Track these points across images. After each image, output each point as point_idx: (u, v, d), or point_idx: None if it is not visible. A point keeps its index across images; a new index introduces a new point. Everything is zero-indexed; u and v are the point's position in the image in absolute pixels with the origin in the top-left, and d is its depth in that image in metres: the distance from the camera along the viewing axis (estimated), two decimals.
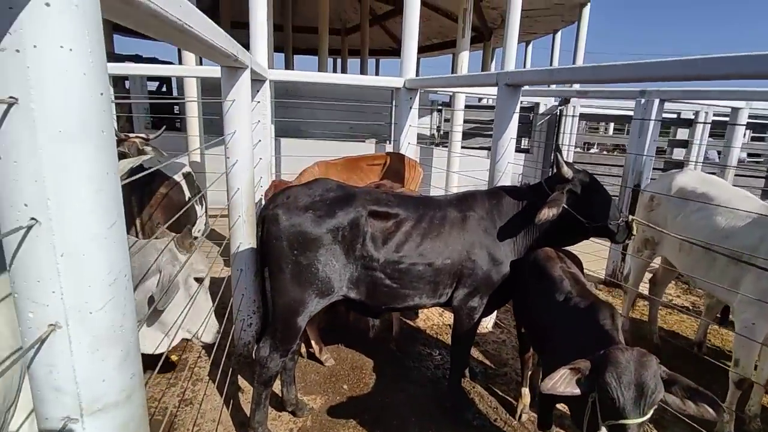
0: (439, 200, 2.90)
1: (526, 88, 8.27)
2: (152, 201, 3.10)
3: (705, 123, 6.61)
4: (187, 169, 3.71)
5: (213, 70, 4.68)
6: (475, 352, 3.89)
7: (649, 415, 1.65)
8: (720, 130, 8.82)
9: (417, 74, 5.61)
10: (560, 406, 2.87)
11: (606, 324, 2.09)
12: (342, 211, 2.48)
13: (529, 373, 3.15)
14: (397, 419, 3.02)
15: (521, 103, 10.02)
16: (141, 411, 1.02)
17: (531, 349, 3.12)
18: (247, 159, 3.22)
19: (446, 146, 8.72)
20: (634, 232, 2.94)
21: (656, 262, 4.13)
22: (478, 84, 4.88)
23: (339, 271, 2.53)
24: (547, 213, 2.74)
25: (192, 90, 5.91)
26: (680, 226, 3.26)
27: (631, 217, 2.99)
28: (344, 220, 2.48)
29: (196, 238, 4.06)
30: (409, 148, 5.44)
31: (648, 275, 4.28)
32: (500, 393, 3.38)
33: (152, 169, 2.64)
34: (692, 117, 8.52)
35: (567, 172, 2.79)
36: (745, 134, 11.03)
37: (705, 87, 4.66)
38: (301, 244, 2.41)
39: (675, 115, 9.54)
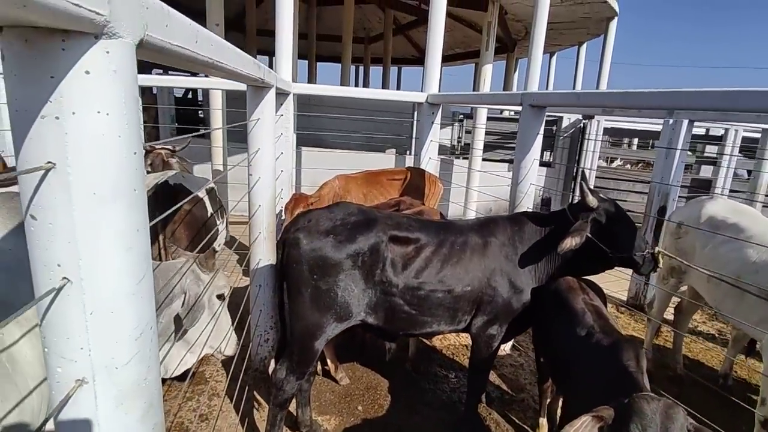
0: (460, 225, 2.87)
1: (558, 107, 8.20)
2: (175, 217, 3.15)
3: (733, 146, 6.41)
4: (210, 185, 3.76)
5: (240, 84, 4.74)
6: (491, 376, 3.82)
7: None
8: (750, 145, 8.59)
9: (439, 84, 5.59)
10: None
11: (630, 365, 2.02)
12: (363, 236, 2.47)
13: (547, 402, 3.08)
14: None
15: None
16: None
17: (550, 380, 3.05)
18: (270, 176, 3.24)
19: (466, 157, 8.67)
20: (660, 265, 2.86)
21: (683, 289, 4.01)
22: (502, 103, 4.83)
23: (358, 296, 2.52)
24: (570, 242, 2.68)
25: (217, 100, 5.99)
26: (709, 257, 3.16)
27: (657, 248, 2.91)
28: (365, 246, 2.47)
29: (216, 251, 4.12)
30: (430, 163, 5.43)
31: (675, 300, 4.16)
32: (517, 420, 3.31)
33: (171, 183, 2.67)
34: (721, 134, 8.32)
35: (592, 201, 2.73)
36: None
37: (735, 111, 4.53)
38: (321, 269, 2.41)
39: (703, 131, 9.32)
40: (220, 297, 2.38)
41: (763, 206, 6.31)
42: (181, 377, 3.36)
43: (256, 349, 3.57)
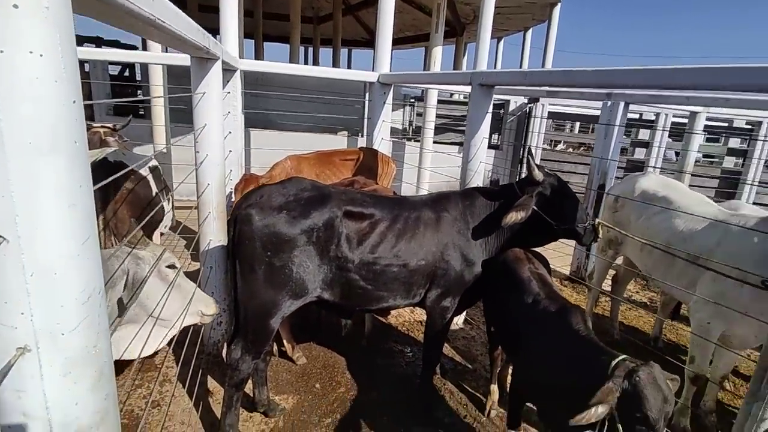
0: (413, 201, 2.91)
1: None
2: (117, 197, 2.97)
3: (663, 129, 6.86)
4: (153, 162, 3.57)
5: (181, 58, 4.50)
6: (445, 349, 3.94)
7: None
8: (679, 129, 9.23)
9: (390, 66, 5.58)
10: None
11: (581, 328, 2.14)
12: (317, 212, 2.45)
13: (498, 370, 3.22)
14: (369, 418, 3.03)
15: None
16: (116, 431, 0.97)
17: (500, 348, 3.19)
18: (218, 154, 3.13)
19: (418, 140, 8.74)
20: (600, 236, 3.03)
21: (619, 260, 4.29)
22: (452, 83, 4.90)
23: (313, 272, 2.51)
24: (515, 216, 2.79)
25: (157, 77, 5.67)
26: (642, 227, 3.39)
27: (597, 220, 3.09)
28: (319, 221, 2.45)
29: (162, 234, 3.94)
30: (383, 143, 5.43)
31: (611, 272, 4.45)
32: (470, 389, 3.44)
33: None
34: (653, 119, 8.89)
35: (538, 175, 2.84)
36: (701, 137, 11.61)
37: (669, 92, 4.84)
38: (274, 245, 2.37)
39: (637, 116, 9.91)
40: (171, 267, 2.29)
41: (690, 185, 6.85)
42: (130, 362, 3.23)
43: (208, 332, 3.47)
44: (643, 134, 10.62)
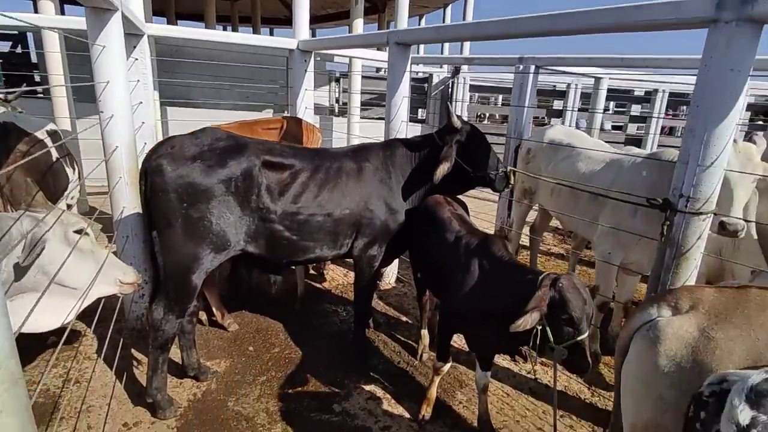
0: (334, 152, 2.93)
1: (420, 54, 8.48)
2: (10, 159, 2.71)
3: (574, 99, 7.37)
4: (52, 126, 3.28)
5: (77, 21, 4.15)
6: (378, 305, 4.05)
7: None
8: (587, 102, 9.94)
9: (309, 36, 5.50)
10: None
11: (504, 254, 2.29)
12: (234, 161, 2.40)
13: (427, 315, 3.36)
14: (305, 372, 3.07)
15: (417, 74, 10.26)
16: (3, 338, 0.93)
17: (427, 294, 3.33)
18: (125, 113, 2.95)
19: (346, 117, 8.73)
20: (512, 182, 3.23)
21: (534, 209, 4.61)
22: (370, 44, 4.94)
23: (234, 224, 2.47)
24: (444, 169, 2.91)
25: (54, 47, 5.18)
26: (551, 173, 3.66)
27: (509, 167, 3.29)
28: (237, 170, 2.40)
29: (70, 206, 3.66)
30: (307, 113, 5.38)
31: (527, 230, 4.77)
32: (402, 339, 3.57)
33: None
34: (565, 89, 9.52)
35: (456, 122, 2.97)
36: (609, 107, 12.60)
37: (573, 54, 5.21)
38: (190, 197, 2.30)
39: (551, 87, 10.54)
40: (78, 232, 2.15)
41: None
42: (42, 346, 3.02)
43: (130, 306, 3.31)
44: (558, 105, 11.36)
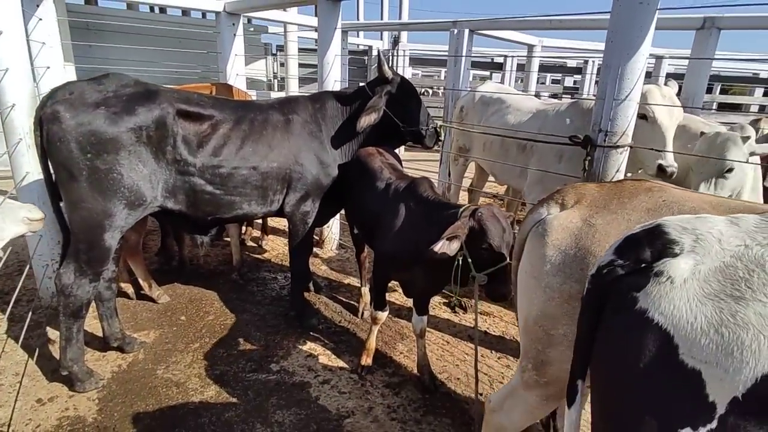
0: (259, 104, 2.80)
1: (358, 21, 8.31)
2: None
3: (511, 71, 7.50)
4: None
5: None
6: (319, 270, 3.97)
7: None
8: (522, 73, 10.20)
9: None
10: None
11: (429, 194, 2.28)
12: (144, 108, 2.22)
13: (366, 272, 3.33)
14: (242, 336, 2.96)
15: (357, 47, 10.08)
16: None
17: (365, 251, 3.30)
18: (23, 67, 2.68)
19: (283, 92, 8.46)
20: (442, 138, 3.22)
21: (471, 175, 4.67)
22: (299, 1, 4.75)
23: (149, 178, 2.29)
24: (369, 119, 2.84)
25: None
26: (481, 128, 3.72)
27: (439, 123, 3.28)
28: (147, 119, 2.22)
29: None
30: (239, 80, 5.13)
31: (465, 194, 4.84)
32: (344, 300, 3.53)
33: None
34: (502, 61, 9.71)
35: (387, 72, 2.91)
36: (545, 81, 13.02)
37: (505, 16, 5.27)
38: (94, 146, 2.10)
39: (489, 59, 10.72)
40: None
41: None
42: None
43: (42, 282, 3.04)
44: (496, 78, 11.59)
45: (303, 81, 9.18)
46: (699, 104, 4.52)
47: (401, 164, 2.96)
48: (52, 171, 2.22)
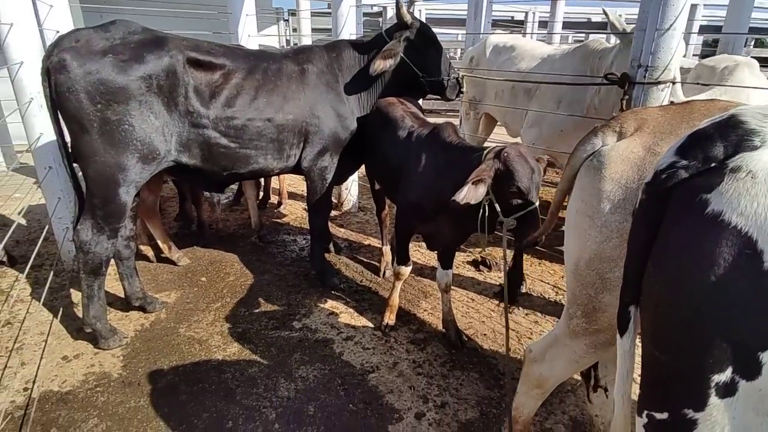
0: (272, 53, 2.66)
1: None
2: None
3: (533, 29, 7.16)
4: None
5: None
6: (339, 231, 3.90)
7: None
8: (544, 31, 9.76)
9: None
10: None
11: (453, 138, 2.15)
12: (153, 55, 2.11)
13: (387, 231, 3.24)
14: (263, 295, 2.92)
15: (371, 8, 9.71)
16: None
17: (387, 208, 3.19)
18: (28, 20, 2.59)
19: None
20: (464, 89, 3.06)
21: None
22: None
23: (161, 130, 2.21)
24: (383, 64, 2.69)
25: None
26: (494, 75, 3.58)
27: (461, 72, 3.09)
28: (157, 67, 2.12)
29: None
30: (251, 41, 4.97)
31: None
32: (365, 260, 3.45)
33: None
34: (522, 18, 9.28)
35: (406, 16, 2.72)
36: (568, 38, 12.44)
37: None
38: (104, 96, 2.01)
39: (510, 18, 10.28)
40: None
41: None
42: None
43: (63, 245, 3.04)
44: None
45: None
46: None
47: (423, 113, 2.82)
48: (63, 127, 2.16)
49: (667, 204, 0.80)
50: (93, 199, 2.17)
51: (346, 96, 2.77)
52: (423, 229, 2.40)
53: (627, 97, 2.16)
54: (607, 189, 1.16)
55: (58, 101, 2.02)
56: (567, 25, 9.74)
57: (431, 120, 2.54)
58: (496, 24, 9.32)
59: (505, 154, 1.78)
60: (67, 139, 2.17)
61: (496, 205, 1.80)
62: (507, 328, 1.81)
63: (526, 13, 9.09)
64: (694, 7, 6.39)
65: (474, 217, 1.89)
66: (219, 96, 2.34)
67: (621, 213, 1.13)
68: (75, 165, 2.25)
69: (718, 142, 0.76)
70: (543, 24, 9.42)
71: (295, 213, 4.35)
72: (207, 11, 6.68)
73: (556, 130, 3.04)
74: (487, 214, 1.84)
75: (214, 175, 2.50)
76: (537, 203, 1.78)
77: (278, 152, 2.61)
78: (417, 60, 2.82)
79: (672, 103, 2.27)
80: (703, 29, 9.43)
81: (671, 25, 2.02)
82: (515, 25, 9.83)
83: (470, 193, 1.75)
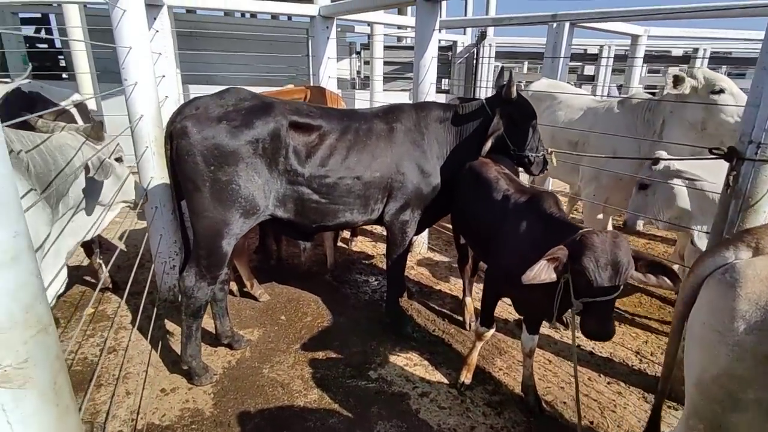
0: (363, 112, 2.80)
1: (444, 18, 8.19)
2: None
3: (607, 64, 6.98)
4: (77, 96, 3.26)
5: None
6: (410, 274, 3.95)
7: (620, 290, 1.71)
8: (620, 65, 9.45)
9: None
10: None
11: (554, 211, 2.12)
12: (260, 121, 2.30)
13: (469, 281, 3.24)
14: (339, 340, 3.01)
15: (440, 43, 9.93)
16: (31, 277, 0.86)
17: (470, 261, 3.20)
18: (148, 80, 2.89)
19: (368, 90, 8.55)
20: (554, 163, 3.03)
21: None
22: (396, 3, 4.73)
23: (263, 188, 2.38)
24: (490, 145, 2.72)
25: (75, 22, 5.15)
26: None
27: (550, 149, 3.05)
28: (263, 131, 2.30)
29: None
30: (330, 82, 5.23)
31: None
32: (437, 307, 3.47)
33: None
34: (597, 52, 9.05)
35: (514, 93, 2.73)
36: (642, 69, 11.95)
37: (609, 8, 4.86)
38: (217, 159, 2.21)
39: (582, 51, 10.05)
40: (119, 160, 2.25)
41: None
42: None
43: (161, 277, 3.31)
44: (588, 70, 10.83)
45: (386, 80, 9.19)
46: None
47: (517, 174, 2.81)
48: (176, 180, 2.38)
49: None
50: (199, 250, 2.37)
51: (432, 154, 2.84)
52: (513, 295, 2.38)
53: (734, 173, 2.06)
54: (742, 309, 1.12)
55: (177, 162, 2.25)
56: (647, 59, 9.38)
57: (525, 183, 2.54)
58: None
59: (585, 238, 1.73)
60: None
61: (570, 285, 1.76)
62: (579, 415, 1.76)
63: (601, 47, 8.84)
64: None
65: (542, 297, 1.88)
66: (314, 155, 2.48)
67: (758, 335, 1.09)
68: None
69: None
70: (618, 58, 9.13)
71: (366, 251, 4.46)
72: (291, 54, 7.08)
73: (615, 179, 3.18)
74: (562, 291, 1.82)
75: (304, 227, 2.65)
76: (612, 296, 1.70)
77: (364, 207, 2.72)
78: (511, 133, 2.81)
79: None
80: None
81: None
82: (587, 60, 9.60)
83: (542, 272, 1.73)
